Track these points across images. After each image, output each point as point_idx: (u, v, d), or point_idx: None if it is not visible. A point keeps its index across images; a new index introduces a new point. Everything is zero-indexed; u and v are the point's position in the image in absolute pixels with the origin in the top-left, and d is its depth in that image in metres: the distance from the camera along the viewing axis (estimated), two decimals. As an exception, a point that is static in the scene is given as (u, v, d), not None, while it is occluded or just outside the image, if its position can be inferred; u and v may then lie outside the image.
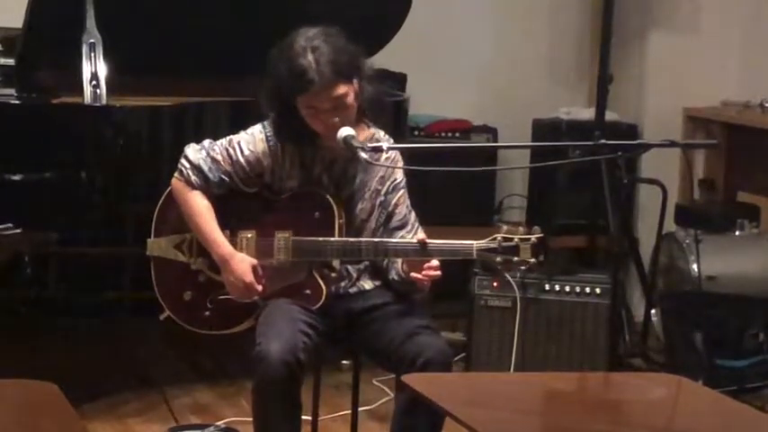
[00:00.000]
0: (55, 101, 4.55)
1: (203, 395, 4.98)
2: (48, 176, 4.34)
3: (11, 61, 4.68)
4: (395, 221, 3.81)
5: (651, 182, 5.76)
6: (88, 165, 4.40)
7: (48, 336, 5.44)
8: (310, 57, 3.60)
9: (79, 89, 4.42)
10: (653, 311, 5.42)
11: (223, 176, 3.76)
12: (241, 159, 3.76)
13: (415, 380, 3.21)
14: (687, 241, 5.25)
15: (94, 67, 4.42)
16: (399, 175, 3.82)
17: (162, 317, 3.88)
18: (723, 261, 5.21)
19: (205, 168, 3.76)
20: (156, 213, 3.89)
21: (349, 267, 3.81)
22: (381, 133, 3.85)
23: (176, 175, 3.81)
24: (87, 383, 4.71)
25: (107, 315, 5.71)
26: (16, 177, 4.29)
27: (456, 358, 5.44)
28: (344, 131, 3.62)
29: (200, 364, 5.30)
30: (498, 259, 3.59)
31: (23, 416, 2.72)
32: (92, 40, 4.44)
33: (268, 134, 3.77)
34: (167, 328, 3.99)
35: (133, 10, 4.65)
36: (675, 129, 6.06)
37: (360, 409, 4.06)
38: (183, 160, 3.79)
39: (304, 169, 3.78)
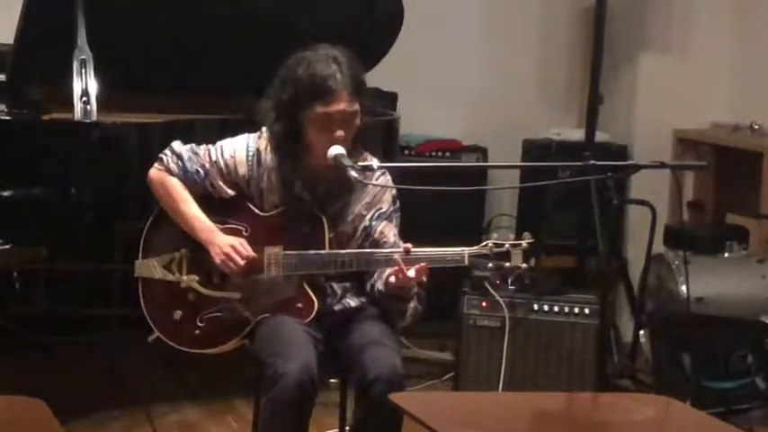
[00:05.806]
0: (45, 117, 4.54)
1: (190, 412, 4.97)
2: (37, 192, 4.33)
3: (1, 77, 4.68)
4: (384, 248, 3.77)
5: (640, 203, 5.75)
6: (77, 181, 4.39)
7: (35, 351, 5.42)
8: (334, 66, 3.65)
9: (70, 105, 4.42)
10: (641, 332, 5.42)
11: (200, 170, 3.80)
12: (220, 161, 3.80)
13: (402, 399, 3.20)
14: (676, 262, 5.24)
15: (85, 84, 4.42)
16: (385, 206, 3.82)
17: (151, 339, 3.85)
18: (712, 283, 5.21)
19: (185, 157, 3.82)
20: (143, 234, 3.90)
21: (334, 285, 3.81)
22: (375, 160, 3.83)
23: (156, 165, 3.86)
24: (74, 400, 4.69)
25: (95, 331, 5.71)
26: (6, 193, 4.28)
27: (444, 378, 5.46)
28: (335, 149, 3.63)
29: (188, 381, 5.29)
30: (490, 265, 3.60)
31: (9, 432, 2.71)
32: (83, 57, 4.44)
33: (250, 145, 3.80)
34: (155, 346, 3.98)
35: (124, 27, 4.65)
36: (665, 150, 6.07)
37: (347, 427, 4.05)
38: (165, 150, 3.86)
39: (283, 185, 3.78)
